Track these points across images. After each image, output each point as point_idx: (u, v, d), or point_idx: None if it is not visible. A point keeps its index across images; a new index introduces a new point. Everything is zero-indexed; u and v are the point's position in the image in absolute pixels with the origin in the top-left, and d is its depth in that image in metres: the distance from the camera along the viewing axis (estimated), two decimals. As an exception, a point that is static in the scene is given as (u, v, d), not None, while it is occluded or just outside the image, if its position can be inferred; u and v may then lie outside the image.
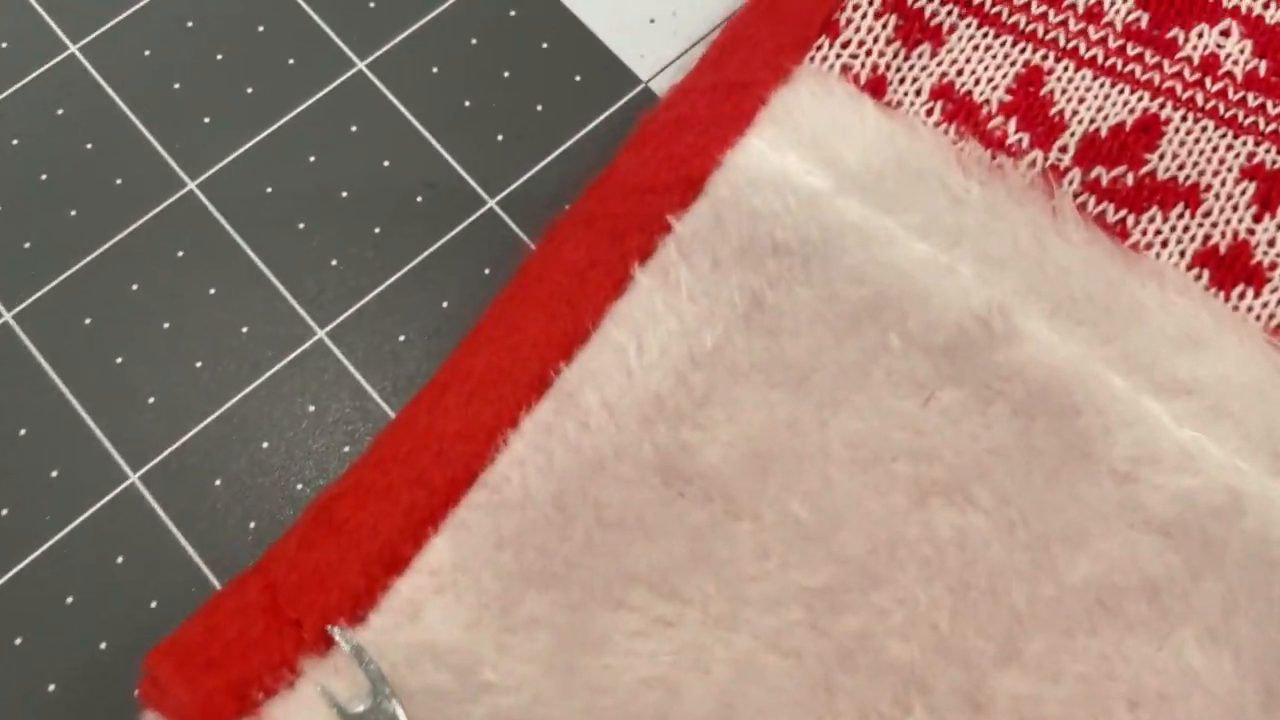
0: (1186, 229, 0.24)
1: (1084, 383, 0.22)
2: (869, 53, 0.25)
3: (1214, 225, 0.25)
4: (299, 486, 0.24)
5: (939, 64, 0.25)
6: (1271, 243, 0.24)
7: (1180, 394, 0.22)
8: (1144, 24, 0.26)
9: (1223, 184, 0.25)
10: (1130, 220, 0.25)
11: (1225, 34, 0.26)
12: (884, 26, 0.25)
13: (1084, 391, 0.22)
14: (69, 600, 0.23)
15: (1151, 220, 0.25)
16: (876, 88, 0.25)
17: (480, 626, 0.21)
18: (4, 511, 0.24)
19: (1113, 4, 0.26)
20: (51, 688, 0.22)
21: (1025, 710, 0.21)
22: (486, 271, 0.26)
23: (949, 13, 0.26)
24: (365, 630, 0.21)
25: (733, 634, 0.21)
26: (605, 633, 0.21)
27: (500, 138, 0.27)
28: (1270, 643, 0.21)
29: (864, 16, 0.25)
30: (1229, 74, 0.26)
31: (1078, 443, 0.22)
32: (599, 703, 0.21)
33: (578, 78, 0.28)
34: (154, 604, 0.23)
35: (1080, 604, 0.21)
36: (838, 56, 0.25)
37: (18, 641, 0.23)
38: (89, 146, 0.27)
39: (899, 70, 0.25)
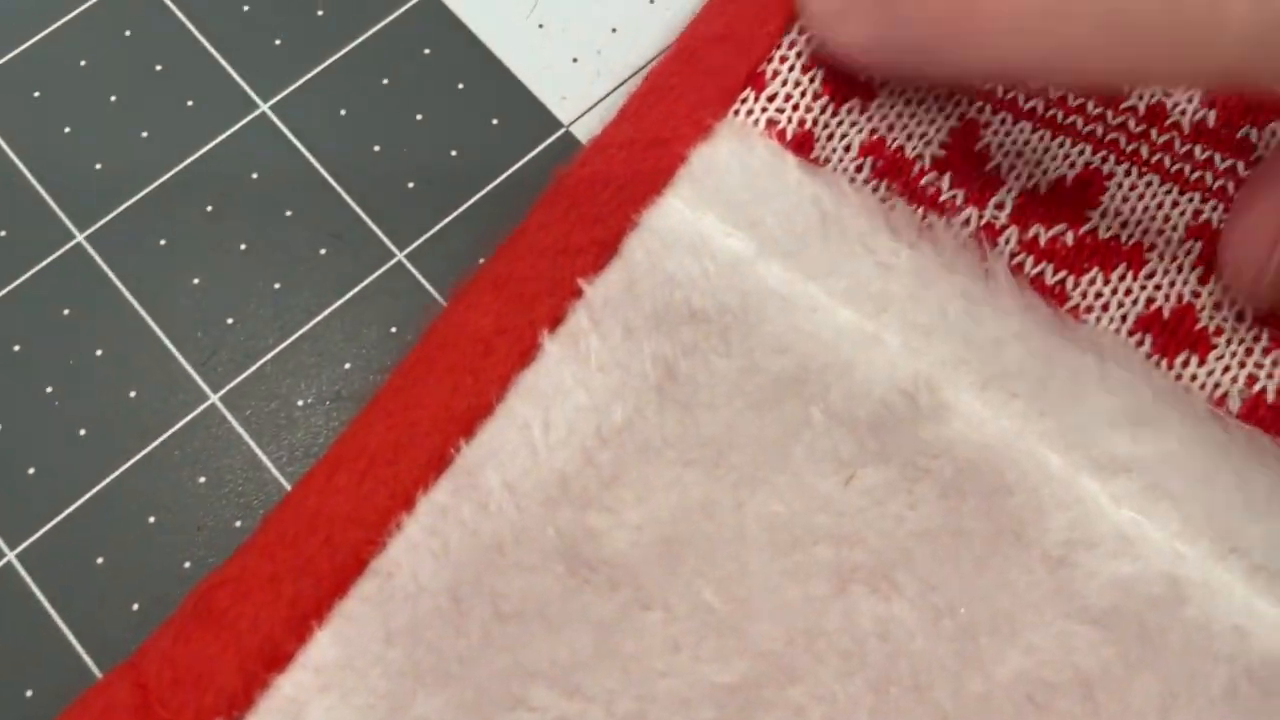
0: (1129, 291, 0.23)
1: (1017, 461, 0.21)
2: (795, 107, 0.24)
3: (1157, 288, 0.23)
4: (187, 565, 0.23)
5: (869, 119, 0.24)
6: (1217, 306, 0.23)
7: (1119, 472, 0.21)
8: None
9: (1167, 243, 0.24)
10: (1070, 282, 0.23)
11: None
12: (812, 80, 0.24)
13: (1017, 470, 0.21)
14: (-68, 693, 0.21)
15: (1092, 282, 0.23)
16: (803, 143, 0.24)
17: (367, 729, 0.19)
18: None
19: (1056, 50, 0.25)
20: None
21: None
22: (393, 330, 0.24)
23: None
24: (243, 733, 0.19)
25: None
26: (502, 734, 0.20)
27: (411, 185, 0.26)
28: None
29: (791, 69, 0.24)
30: (1175, 124, 0.25)
31: (1010, 525, 0.21)
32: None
33: (495, 120, 0.26)
34: (29, 693, 0.22)
35: (1010, 701, 0.20)
36: (763, 110, 0.24)
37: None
38: (-29, 195, 0.25)
39: (827, 126, 0.24)
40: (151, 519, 0.23)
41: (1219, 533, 0.21)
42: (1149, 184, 0.24)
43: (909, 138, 0.24)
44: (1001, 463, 0.21)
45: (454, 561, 0.21)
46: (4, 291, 0.24)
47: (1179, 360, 0.23)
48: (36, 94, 0.26)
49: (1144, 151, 0.24)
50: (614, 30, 0.27)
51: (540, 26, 0.27)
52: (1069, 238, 0.24)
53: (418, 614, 0.20)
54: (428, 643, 0.20)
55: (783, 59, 0.24)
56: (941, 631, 0.21)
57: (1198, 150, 0.24)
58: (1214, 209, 0.24)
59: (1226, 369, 0.22)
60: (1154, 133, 0.25)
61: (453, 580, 0.20)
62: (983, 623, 0.21)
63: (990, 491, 0.21)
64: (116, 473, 0.23)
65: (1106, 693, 0.20)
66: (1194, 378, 0.23)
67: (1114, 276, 0.23)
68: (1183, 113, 0.25)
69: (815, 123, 0.24)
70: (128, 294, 0.24)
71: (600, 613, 0.20)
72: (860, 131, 0.24)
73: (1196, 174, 0.24)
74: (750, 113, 0.24)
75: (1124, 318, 0.23)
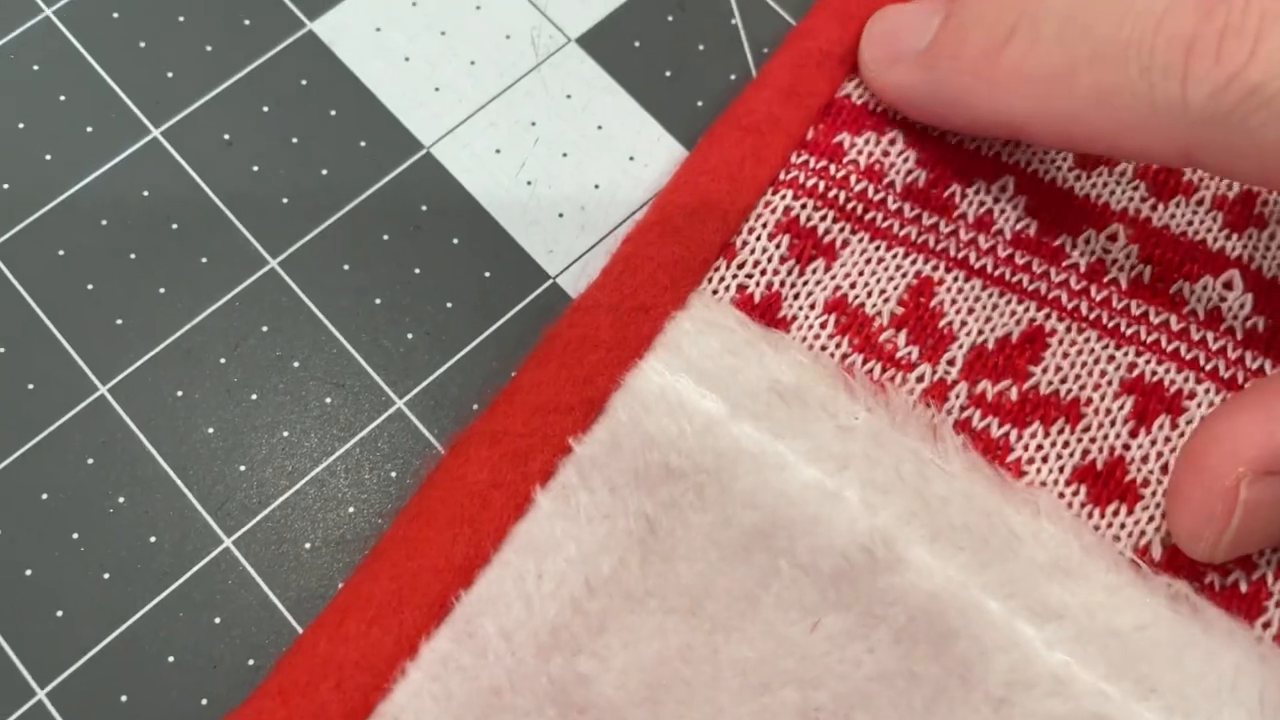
0: (1066, 444, 0.26)
1: (963, 609, 0.23)
2: (763, 272, 0.26)
3: (1092, 440, 0.26)
4: (204, 701, 0.24)
5: (832, 278, 0.26)
6: (1145, 459, 0.25)
7: (1051, 619, 0.23)
8: (1033, 231, 0.27)
9: (1102, 398, 0.26)
10: (1013, 436, 0.26)
11: (1112, 238, 0.27)
12: (778, 246, 0.26)
13: (963, 617, 0.23)
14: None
15: (1034, 436, 0.26)
16: (771, 304, 0.26)
17: None
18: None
19: (1002, 211, 0.27)
20: None
21: None
22: (393, 474, 0.26)
23: (841, 229, 0.27)
24: None
25: None
26: None
27: (410, 335, 0.28)
28: None
29: (759, 238, 0.26)
30: (1114, 281, 0.27)
31: (956, 668, 0.23)
32: None
33: (487, 274, 0.28)
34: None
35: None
36: (734, 277, 0.26)
37: None
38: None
39: (793, 286, 0.26)
40: (171, 658, 0.25)
41: (1139, 675, 0.23)
42: (1087, 339, 0.26)
43: (869, 294, 0.26)
44: (949, 610, 0.23)
45: (456, 706, 0.23)
46: (33, 443, 0.26)
47: (1110, 509, 0.25)
48: (61, 252, 0.28)
49: (1083, 308, 0.27)
50: (597, 186, 0.29)
51: (529, 183, 0.29)
52: (1013, 393, 0.26)
53: (423, 758, 0.22)
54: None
55: (750, 230, 0.26)
56: (897, 767, 0.23)
57: (1134, 305, 0.27)
58: (1147, 362, 0.26)
59: (1151, 519, 0.25)
60: (1094, 289, 0.27)
61: (454, 725, 0.22)
62: (934, 758, 0.23)
63: (939, 636, 0.23)
64: (138, 614, 0.25)
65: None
66: (1123, 526, 0.25)
67: (1053, 430, 0.26)
68: (1120, 269, 0.27)
69: (782, 284, 0.26)
70: (148, 444, 0.26)
71: (588, 754, 0.22)
72: (825, 290, 0.26)
73: (1132, 329, 0.27)
74: (722, 279, 0.26)
75: (1061, 469, 0.25)
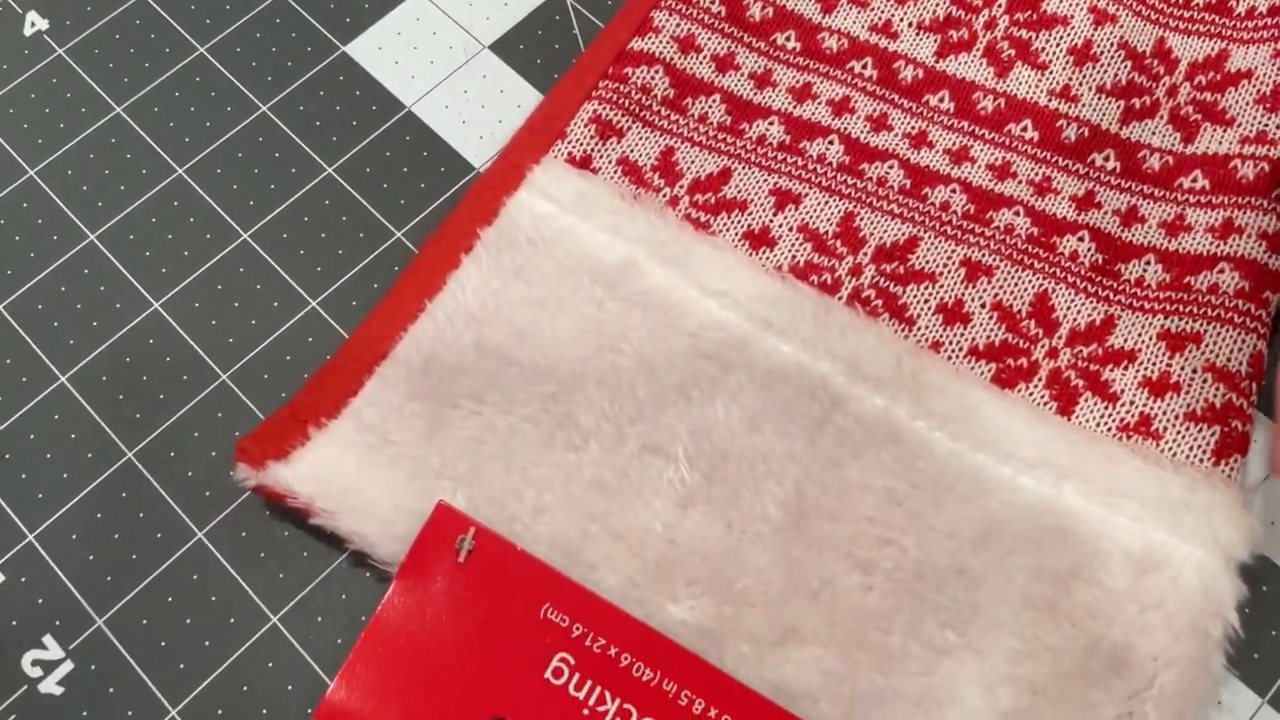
0: (737, 219, 0.49)
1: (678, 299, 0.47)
2: (581, 144, 0.50)
3: (752, 217, 0.49)
4: (302, 373, 0.48)
5: (621, 147, 0.50)
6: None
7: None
8: (729, 121, 0.51)
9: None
10: (714, 221, 0.49)
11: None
12: (589, 131, 0.50)
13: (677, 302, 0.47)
14: None
15: (722, 220, 0.49)
16: (586, 161, 0.50)
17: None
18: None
19: (714, 112, 0.51)
20: None
21: None
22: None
23: (626, 120, 0.50)
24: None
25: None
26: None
27: (369, 205, 0.52)
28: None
29: (579, 126, 0.50)
30: (824, 157, 0.50)
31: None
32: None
33: (442, 169, 0.52)
34: None
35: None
36: (566, 147, 0.50)
37: None
38: None
39: (598, 151, 0.50)
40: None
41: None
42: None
43: (640, 155, 0.50)
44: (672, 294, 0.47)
45: (426, 346, 0.46)
46: None
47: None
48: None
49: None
50: (500, 121, 0.53)
51: (464, 122, 0.53)
52: (712, 200, 0.49)
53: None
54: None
55: (575, 123, 0.50)
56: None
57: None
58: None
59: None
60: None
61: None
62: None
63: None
64: None
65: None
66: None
67: (733, 216, 0.49)
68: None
69: (593, 151, 0.50)
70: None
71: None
72: (616, 153, 0.50)
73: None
74: (560, 149, 0.50)
75: (734, 232, 0.49)
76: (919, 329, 0.46)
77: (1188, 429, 0.42)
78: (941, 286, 0.47)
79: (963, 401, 0.44)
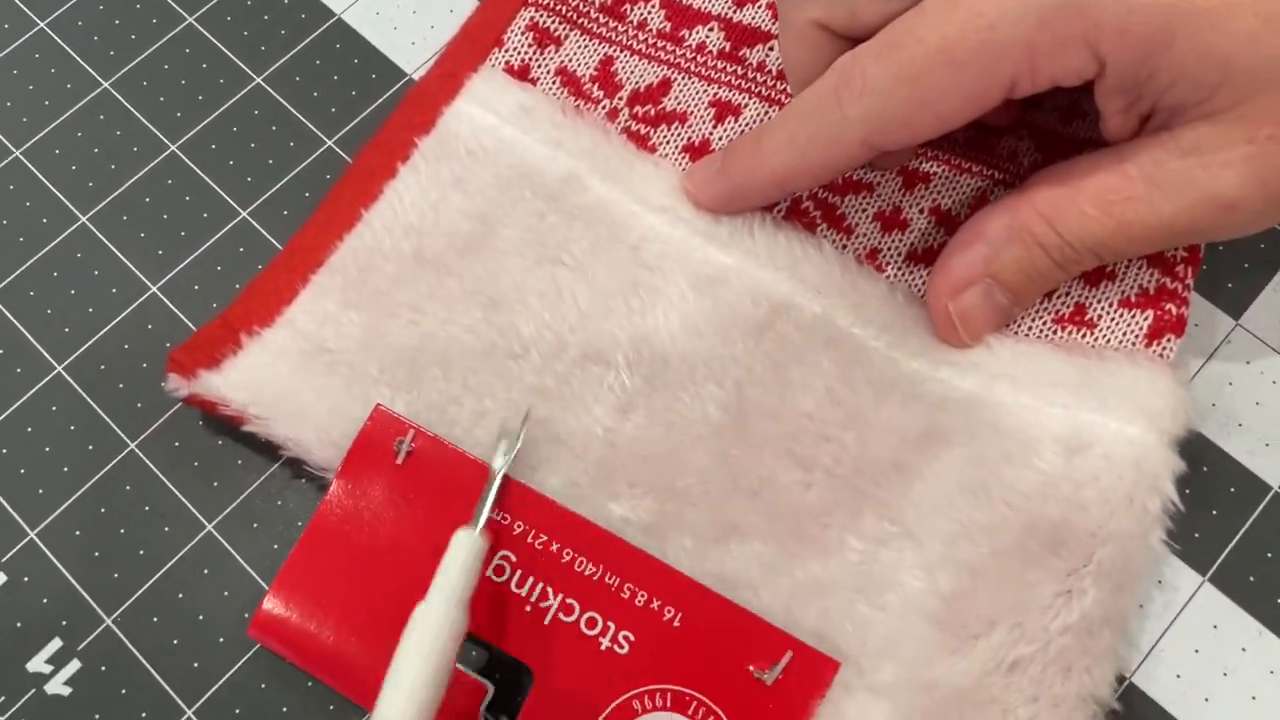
0: (680, 135, 0.48)
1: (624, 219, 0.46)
2: (519, 52, 0.49)
3: (694, 131, 0.48)
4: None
5: (559, 56, 0.49)
6: (723, 138, 0.48)
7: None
8: (669, 27, 0.50)
9: (698, 112, 0.49)
10: (653, 134, 0.48)
11: (710, 31, 0.50)
12: (526, 39, 0.49)
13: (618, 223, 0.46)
14: None
15: (662, 134, 0.48)
16: (524, 70, 0.49)
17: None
18: None
19: (652, 19, 0.51)
20: None
21: None
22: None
23: (563, 28, 0.50)
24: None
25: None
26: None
27: (316, 95, 0.51)
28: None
29: (516, 34, 0.49)
30: (704, 45, 0.50)
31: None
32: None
33: (374, 75, 0.51)
34: None
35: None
36: (504, 56, 0.49)
37: None
38: None
39: (536, 61, 0.49)
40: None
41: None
42: (692, 81, 0.49)
43: (579, 64, 0.49)
44: (615, 218, 0.46)
45: (368, 245, 0.45)
46: None
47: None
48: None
49: (694, 65, 0.50)
50: (432, 27, 0.52)
51: (412, 43, 0.52)
52: (651, 111, 0.49)
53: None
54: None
55: (512, 31, 0.49)
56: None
57: (722, 64, 0.50)
58: (728, 91, 0.49)
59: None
60: (703, 58, 0.50)
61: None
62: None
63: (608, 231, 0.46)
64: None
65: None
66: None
67: (672, 129, 0.49)
68: (714, 45, 0.50)
69: (530, 60, 0.49)
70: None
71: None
72: (554, 62, 0.49)
73: (726, 79, 0.50)
74: (497, 58, 0.49)
75: (678, 148, 0.48)
76: (857, 238, 0.46)
77: (1121, 315, 0.43)
78: (879, 196, 0.47)
79: (900, 312, 0.44)
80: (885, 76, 0.38)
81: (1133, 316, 0.42)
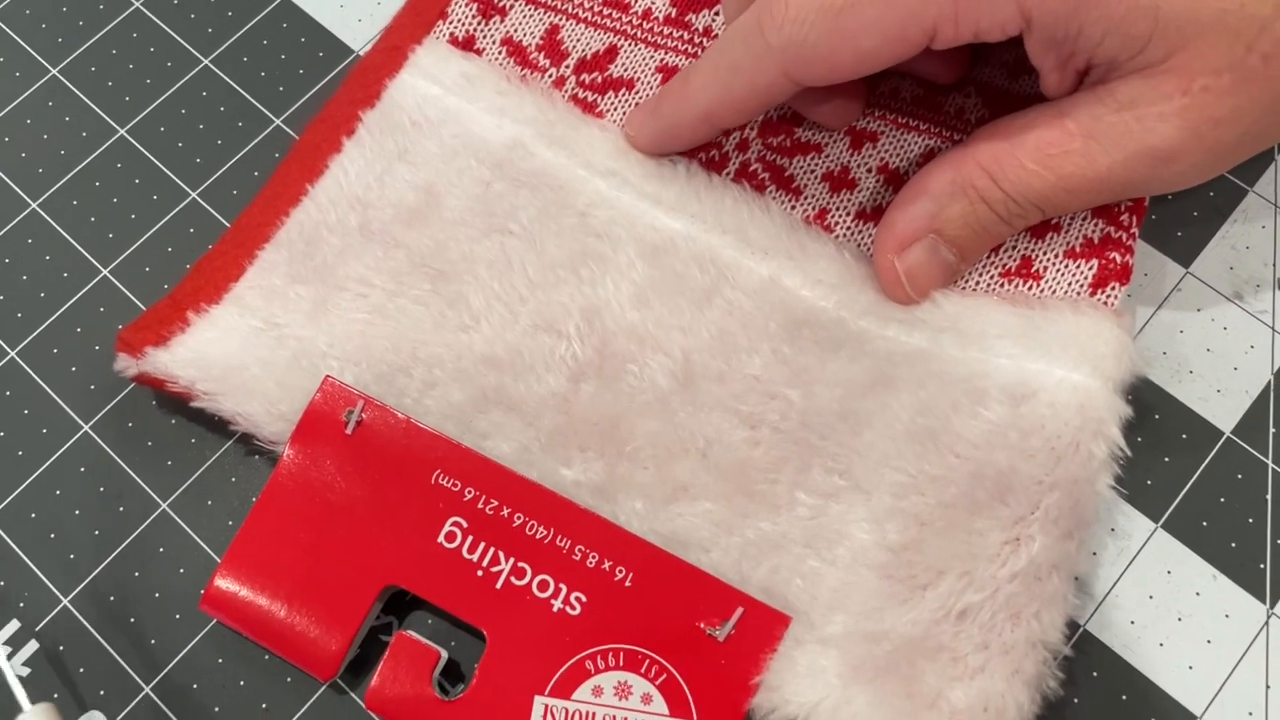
0: (628, 102, 0.48)
1: (573, 183, 0.46)
2: (464, 24, 0.49)
3: (639, 96, 0.48)
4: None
5: (504, 26, 0.49)
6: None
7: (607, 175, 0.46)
8: None
9: (645, 79, 0.49)
10: (600, 101, 0.48)
11: None
12: (470, 10, 0.49)
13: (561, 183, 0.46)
14: None
15: (609, 100, 0.48)
16: (469, 42, 0.49)
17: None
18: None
19: (602, -10, 0.50)
20: None
21: None
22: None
23: (511, 3, 0.50)
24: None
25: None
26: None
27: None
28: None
29: (461, 6, 0.49)
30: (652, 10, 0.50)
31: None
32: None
33: (321, 54, 0.51)
34: None
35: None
36: (448, 28, 0.49)
37: None
38: None
39: (481, 31, 0.49)
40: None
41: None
42: (640, 49, 0.49)
43: (525, 35, 0.49)
44: (565, 185, 0.46)
45: (315, 216, 0.45)
46: None
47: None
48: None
49: (639, 33, 0.50)
50: (379, 3, 0.52)
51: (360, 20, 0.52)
52: (599, 79, 0.49)
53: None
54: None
55: (457, 4, 0.49)
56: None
57: (668, 29, 0.50)
58: (668, 53, 0.49)
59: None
60: (650, 23, 0.50)
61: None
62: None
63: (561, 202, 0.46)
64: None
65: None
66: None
67: (620, 95, 0.48)
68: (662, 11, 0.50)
69: (475, 31, 0.49)
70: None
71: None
72: (500, 32, 0.49)
73: (671, 44, 0.49)
74: (441, 30, 0.49)
75: (623, 115, 0.48)
76: (805, 199, 0.46)
77: (1066, 266, 0.43)
78: (827, 156, 0.47)
79: (848, 271, 0.44)
80: (809, 6, 0.39)
81: (1078, 267, 0.42)
